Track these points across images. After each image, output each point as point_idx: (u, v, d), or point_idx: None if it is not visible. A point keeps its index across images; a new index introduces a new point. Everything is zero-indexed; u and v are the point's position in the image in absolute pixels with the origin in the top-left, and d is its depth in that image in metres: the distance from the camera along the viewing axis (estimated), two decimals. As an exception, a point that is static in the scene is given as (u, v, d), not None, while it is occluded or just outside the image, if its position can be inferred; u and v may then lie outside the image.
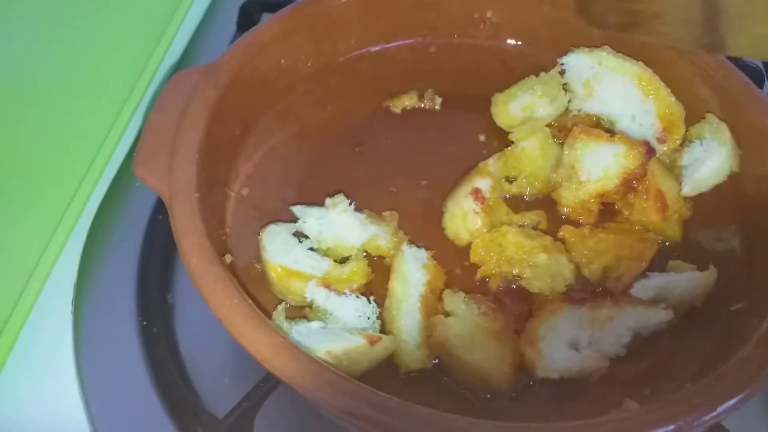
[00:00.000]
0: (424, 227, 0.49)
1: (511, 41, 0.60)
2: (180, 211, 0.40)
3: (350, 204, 0.47)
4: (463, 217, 0.48)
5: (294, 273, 0.44)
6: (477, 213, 0.48)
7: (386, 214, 0.50)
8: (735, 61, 0.66)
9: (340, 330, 0.42)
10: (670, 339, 0.44)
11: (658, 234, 0.48)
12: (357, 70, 0.58)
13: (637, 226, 0.48)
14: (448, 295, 0.43)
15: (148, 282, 0.53)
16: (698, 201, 0.50)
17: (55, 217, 0.54)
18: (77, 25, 0.53)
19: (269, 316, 0.40)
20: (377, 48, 0.58)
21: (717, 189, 0.49)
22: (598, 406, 0.38)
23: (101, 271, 0.55)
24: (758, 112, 0.48)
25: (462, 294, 0.44)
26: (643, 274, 0.46)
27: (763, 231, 0.46)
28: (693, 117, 0.51)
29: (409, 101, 0.57)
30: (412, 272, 0.44)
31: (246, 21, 0.66)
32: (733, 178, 0.49)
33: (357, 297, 0.44)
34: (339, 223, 0.46)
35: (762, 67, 0.66)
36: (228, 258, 0.43)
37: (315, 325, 0.42)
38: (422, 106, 0.57)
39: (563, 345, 0.40)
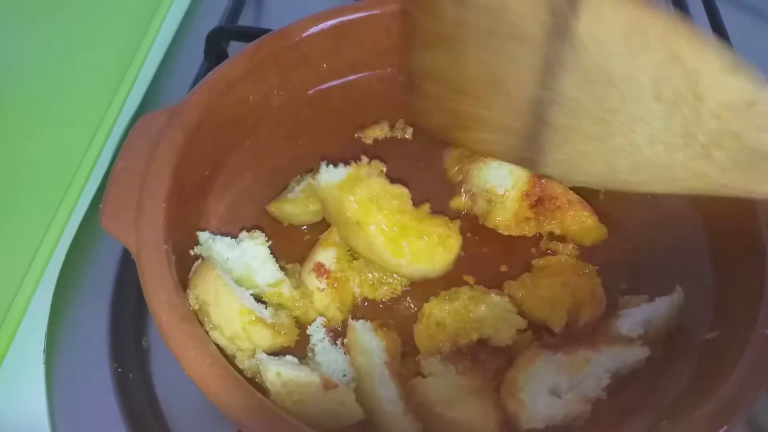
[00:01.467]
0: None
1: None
2: (148, 266, 0.39)
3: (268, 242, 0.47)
4: (310, 297, 0.46)
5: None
6: (322, 291, 0.45)
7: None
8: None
9: (304, 367, 0.41)
10: (646, 373, 0.43)
11: (593, 239, 0.49)
12: (327, 102, 0.57)
13: (566, 255, 0.48)
14: (424, 358, 0.43)
15: (122, 327, 0.52)
16: (665, 227, 0.50)
17: (21, 267, 0.52)
18: (37, 63, 0.51)
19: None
20: (346, 79, 0.58)
21: (684, 214, 0.50)
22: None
23: (72, 319, 0.54)
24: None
25: (438, 356, 0.43)
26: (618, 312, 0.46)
27: (731, 256, 0.46)
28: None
29: (380, 131, 0.57)
30: (369, 342, 0.43)
31: (213, 49, 0.65)
32: (695, 200, 0.49)
33: (345, 354, 0.44)
34: (252, 254, 0.45)
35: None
36: (195, 303, 0.42)
37: (290, 358, 0.42)
38: (394, 135, 0.57)
39: (544, 392, 0.40)
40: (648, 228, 0.50)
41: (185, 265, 0.44)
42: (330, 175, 0.45)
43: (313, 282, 0.46)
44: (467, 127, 0.41)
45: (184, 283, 0.41)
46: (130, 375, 0.50)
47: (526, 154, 0.39)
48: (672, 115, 0.32)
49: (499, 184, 0.48)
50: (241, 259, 0.45)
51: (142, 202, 0.42)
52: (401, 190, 0.46)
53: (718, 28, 0.68)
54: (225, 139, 0.51)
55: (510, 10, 0.34)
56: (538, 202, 0.49)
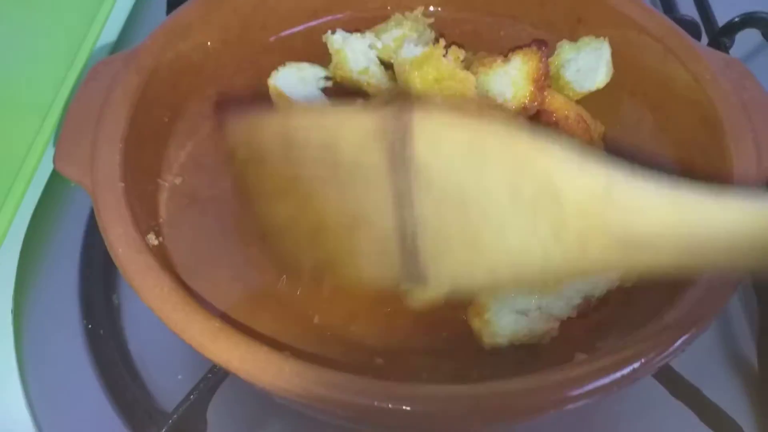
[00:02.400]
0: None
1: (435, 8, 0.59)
2: (104, 202, 0.38)
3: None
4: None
5: None
6: None
7: None
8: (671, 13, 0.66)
9: None
10: (617, 293, 0.43)
11: None
12: (289, 48, 0.56)
13: None
14: None
15: (91, 284, 0.52)
16: (638, 154, 0.50)
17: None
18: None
19: (203, 302, 0.38)
20: (308, 25, 0.57)
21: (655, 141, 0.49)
22: (551, 364, 0.37)
23: (40, 277, 0.53)
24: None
25: None
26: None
27: (698, 174, 0.46)
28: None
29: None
30: None
31: (175, 7, 0.64)
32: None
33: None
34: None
35: (699, 20, 0.67)
36: (153, 239, 0.41)
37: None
38: (359, 79, 0.56)
39: (512, 312, 0.39)
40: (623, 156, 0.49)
41: (144, 208, 0.43)
42: (408, 52, 0.47)
43: None
44: (338, 263, 0.39)
45: (142, 223, 0.40)
46: (101, 331, 0.50)
47: (410, 275, 0.36)
48: (536, 219, 0.32)
49: (500, 93, 0.49)
50: (341, 45, 0.51)
51: (97, 142, 0.41)
52: (466, 76, 0.47)
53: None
54: (183, 85, 0.50)
55: (343, 147, 0.33)
56: (536, 116, 0.49)
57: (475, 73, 0.49)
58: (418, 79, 0.46)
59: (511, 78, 0.48)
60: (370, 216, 0.35)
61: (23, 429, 0.46)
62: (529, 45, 0.49)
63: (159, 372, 0.48)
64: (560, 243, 0.32)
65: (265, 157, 0.36)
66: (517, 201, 0.32)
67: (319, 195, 0.36)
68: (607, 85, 0.51)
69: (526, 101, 0.48)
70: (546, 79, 0.49)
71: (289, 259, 0.41)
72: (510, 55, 0.49)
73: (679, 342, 0.36)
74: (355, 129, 0.33)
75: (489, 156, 0.31)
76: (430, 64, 0.46)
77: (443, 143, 0.31)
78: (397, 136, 0.32)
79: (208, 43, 0.52)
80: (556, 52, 0.52)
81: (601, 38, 0.51)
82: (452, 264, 0.35)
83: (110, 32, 0.64)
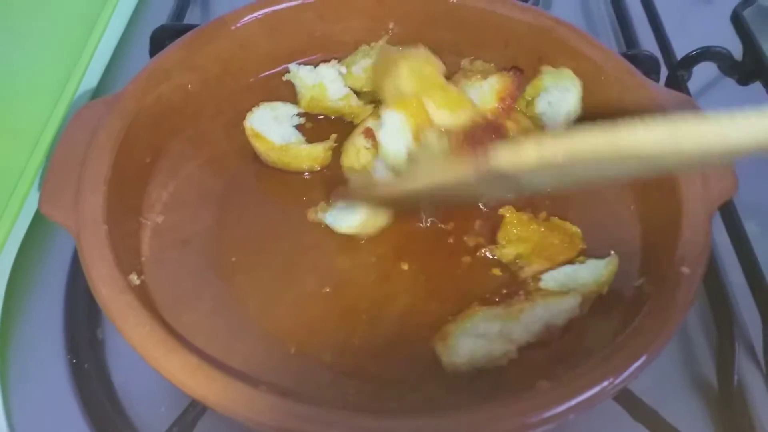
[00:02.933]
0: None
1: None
2: (87, 244, 0.40)
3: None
4: (356, 152, 0.53)
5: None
6: (368, 149, 0.52)
7: None
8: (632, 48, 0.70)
9: None
10: (579, 321, 0.46)
11: None
12: (268, 89, 0.59)
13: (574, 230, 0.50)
14: None
15: (76, 319, 0.53)
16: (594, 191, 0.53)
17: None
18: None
19: (182, 339, 0.40)
20: (285, 66, 0.59)
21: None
22: (514, 392, 0.39)
23: (25, 314, 0.54)
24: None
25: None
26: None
27: (653, 204, 0.49)
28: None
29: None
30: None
31: (157, 48, 0.66)
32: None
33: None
34: (324, 75, 0.56)
35: (660, 54, 0.70)
36: (135, 279, 0.43)
37: None
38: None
39: (472, 336, 0.41)
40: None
41: (127, 247, 0.45)
42: None
43: (361, 141, 0.53)
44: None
45: (125, 263, 0.42)
46: (86, 365, 0.51)
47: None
48: None
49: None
50: (316, 80, 0.56)
51: (81, 185, 0.43)
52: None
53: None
54: (165, 126, 0.52)
55: (459, 185, 0.42)
56: (496, 129, 0.51)
57: (457, 83, 0.54)
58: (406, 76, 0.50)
59: (482, 92, 0.54)
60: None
61: (8, 463, 0.47)
62: (507, 70, 0.56)
63: (143, 405, 0.49)
64: None
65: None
66: None
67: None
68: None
69: (488, 114, 0.53)
70: (512, 101, 0.54)
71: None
72: (489, 75, 0.55)
73: (634, 367, 0.38)
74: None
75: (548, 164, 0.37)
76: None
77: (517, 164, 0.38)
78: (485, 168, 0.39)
79: (189, 86, 0.54)
80: (534, 82, 0.56)
81: (572, 75, 0.54)
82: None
83: (94, 74, 0.66)
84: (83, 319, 0.53)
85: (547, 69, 0.55)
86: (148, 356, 0.36)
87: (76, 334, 0.52)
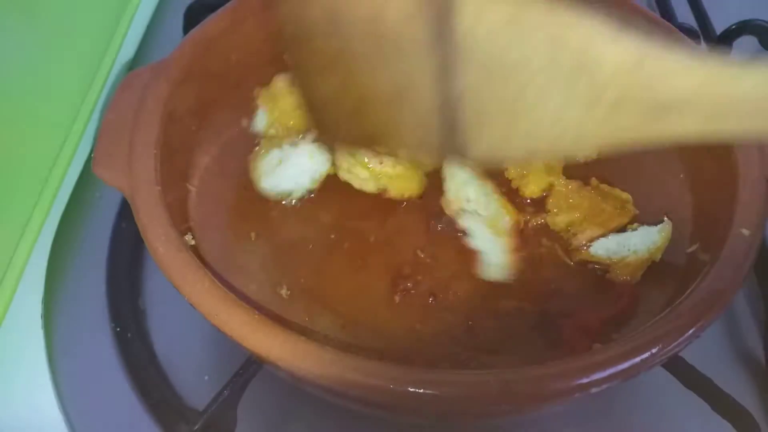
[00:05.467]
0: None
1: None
2: (143, 204, 0.40)
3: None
4: None
5: None
6: None
7: None
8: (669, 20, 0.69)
9: None
10: (632, 287, 0.45)
11: None
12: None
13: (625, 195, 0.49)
14: None
15: (118, 289, 0.53)
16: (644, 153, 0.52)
17: (16, 231, 0.53)
18: (24, 32, 0.52)
19: (241, 295, 0.40)
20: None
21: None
22: (571, 353, 0.39)
23: (69, 283, 0.54)
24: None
25: None
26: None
27: (704, 171, 0.48)
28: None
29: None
30: None
31: (191, 25, 0.65)
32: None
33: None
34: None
35: (697, 28, 0.69)
36: (191, 240, 0.43)
37: None
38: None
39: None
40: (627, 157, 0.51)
41: (177, 212, 0.45)
42: None
43: None
44: (383, 135, 0.41)
45: (178, 225, 0.42)
46: (129, 334, 0.51)
47: (450, 147, 0.39)
48: (573, 88, 0.34)
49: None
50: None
51: (133, 148, 0.43)
52: None
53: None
54: (209, 95, 0.52)
55: (388, 20, 0.34)
56: None
57: None
58: None
59: None
60: (413, 89, 0.36)
61: (56, 429, 0.48)
62: None
63: (186, 373, 0.50)
64: (593, 112, 0.34)
65: (312, 33, 0.37)
66: (555, 71, 0.33)
67: (363, 69, 0.37)
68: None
69: None
70: None
71: (333, 133, 0.43)
72: None
73: (689, 332, 0.38)
74: (399, 2, 0.34)
75: (530, 27, 0.33)
76: None
77: (486, 14, 0.33)
78: (441, 8, 0.33)
79: (232, 56, 0.54)
80: None
81: None
82: (491, 134, 0.37)
83: (128, 49, 0.66)
84: (125, 289, 0.53)
85: None
86: (210, 313, 0.36)
87: (119, 304, 0.53)
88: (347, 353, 0.34)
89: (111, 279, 0.54)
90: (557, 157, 0.47)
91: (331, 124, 0.43)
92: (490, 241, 0.46)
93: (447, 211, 0.48)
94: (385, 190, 0.49)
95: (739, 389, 0.48)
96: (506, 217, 0.47)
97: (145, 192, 0.41)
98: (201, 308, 0.36)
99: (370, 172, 0.47)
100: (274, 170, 0.49)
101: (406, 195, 0.49)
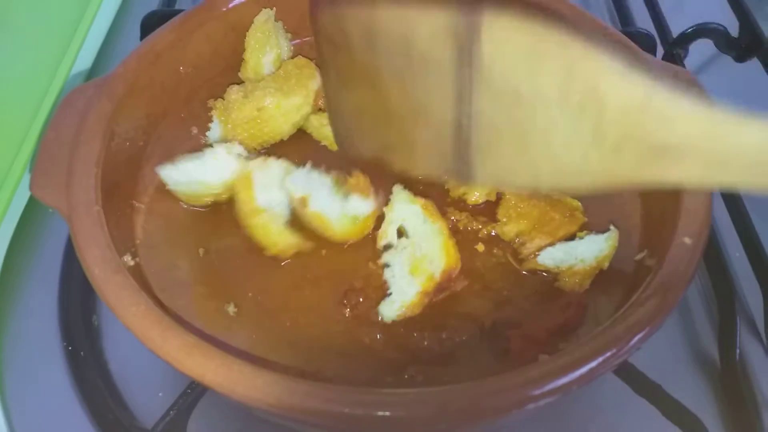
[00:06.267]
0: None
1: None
2: (80, 226, 0.40)
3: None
4: None
5: None
6: None
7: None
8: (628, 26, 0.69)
9: None
10: (580, 296, 0.45)
11: None
12: (261, 72, 0.58)
13: (574, 203, 0.49)
14: None
15: (71, 306, 0.52)
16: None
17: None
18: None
19: (179, 319, 0.40)
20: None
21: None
22: (518, 364, 0.39)
23: (19, 299, 0.54)
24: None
25: None
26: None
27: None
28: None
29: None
30: None
31: (148, 34, 0.65)
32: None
33: None
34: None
35: (655, 32, 0.69)
36: (130, 260, 0.43)
37: None
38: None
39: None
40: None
41: (120, 230, 0.44)
42: None
43: None
44: (400, 150, 0.42)
45: (119, 245, 0.41)
46: (82, 353, 0.50)
47: (457, 171, 0.40)
48: (580, 122, 0.34)
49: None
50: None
51: (72, 167, 0.42)
52: None
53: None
54: (157, 110, 0.52)
55: (418, 40, 0.36)
56: None
57: None
58: None
59: None
60: (432, 108, 0.38)
61: (4, 451, 0.47)
62: None
63: (140, 390, 0.49)
64: (598, 147, 0.34)
65: (347, 47, 0.39)
66: (564, 103, 0.34)
67: (390, 84, 0.38)
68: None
69: None
70: None
71: (354, 143, 0.44)
72: None
73: (634, 339, 0.37)
74: (429, 23, 0.35)
75: (546, 57, 0.33)
76: None
77: (507, 43, 0.34)
78: (467, 34, 0.34)
79: (180, 68, 0.53)
80: None
81: None
82: (499, 160, 0.38)
83: (84, 60, 0.66)
84: (78, 306, 0.52)
85: None
86: (144, 336, 0.35)
87: (71, 321, 0.52)
88: (283, 375, 0.34)
89: (63, 295, 0.53)
90: (559, 190, 0.47)
91: (353, 134, 0.44)
92: (404, 280, 0.44)
93: (377, 244, 0.47)
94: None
95: (694, 392, 0.48)
96: (440, 262, 0.44)
97: (82, 212, 0.40)
98: (135, 331, 0.36)
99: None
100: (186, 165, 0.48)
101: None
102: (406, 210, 0.46)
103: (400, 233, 0.47)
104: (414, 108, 0.39)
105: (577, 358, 0.37)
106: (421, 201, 0.47)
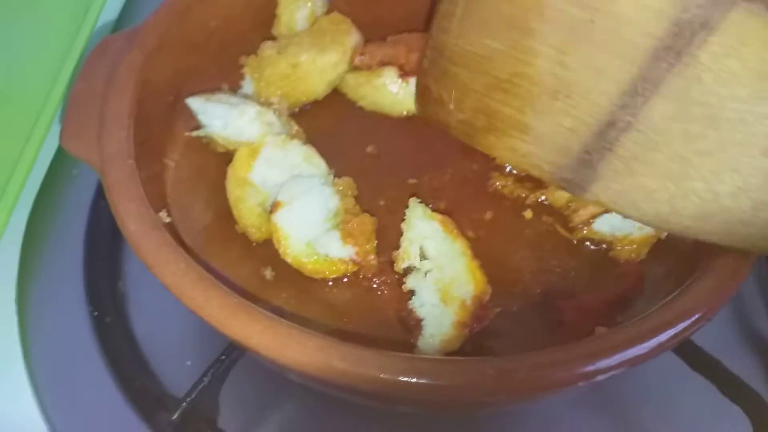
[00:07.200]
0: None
1: None
2: (114, 179, 0.37)
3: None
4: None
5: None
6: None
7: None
8: None
9: None
10: (637, 266, 0.43)
11: None
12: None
13: None
14: None
15: (97, 271, 0.51)
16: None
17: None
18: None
19: (221, 277, 0.37)
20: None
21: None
22: (572, 337, 0.37)
23: (45, 265, 0.52)
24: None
25: None
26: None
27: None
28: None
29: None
30: None
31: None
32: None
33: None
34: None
35: None
36: (166, 217, 0.41)
37: None
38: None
39: None
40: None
41: (152, 187, 0.42)
42: None
43: None
44: (501, 132, 0.35)
45: (153, 201, 0.39)
46: (107, 319, 0.49)
47: (573, 178, 0.33)
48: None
49: None
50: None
51: (104, 119, 0.40)
52: None
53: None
54: (187, 64, 0.49)
55: (619, 12, 0.28)
56: None
57: None
58: None
59: None
60: (581, 98, 0.30)
61: (30, 418, 0.45)
62: None
63: (167, 359, 0.47)
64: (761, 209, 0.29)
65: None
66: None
67: (542, 45, 0.30)
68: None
69: None
70: None
71: (442, 101, 0.37)
72: None
73: (699, 315, 0.35)
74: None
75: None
76: None
77: (742, 56, 0.27)
78: (693, 30, 0.27)
79: (211, 22, 0.50)
80: None
81: None
82: (635, 181, 0.31)
83: (112, 9, 0.63)
84: (104, 271, 0.51)
85: None
86: (185, 296, 0.33)
87: (97, 287, 0.50)
88: (333, 339, 0.31)
89: (89, 260, 0.51)
90: (683, 236, 0.37)
91: (455, 94, 0.36)
92: (437, 309, 0.39)
93: (395, 267, 0.42)
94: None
95: (748, 372, 0.46)
96: (469, 286, 0.39)
97: (116, 166, 0.38)
98: (175, 291, 0.33)
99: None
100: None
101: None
102: (424, 227, 0.41)
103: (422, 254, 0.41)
104: (562, 82, 0.30)
105: (640, 332, 0.34)
106: (439, 217, 0.42)
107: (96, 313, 0.49)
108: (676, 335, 0.34)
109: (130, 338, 0.48)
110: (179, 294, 0.33)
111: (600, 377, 0.33)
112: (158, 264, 0.34)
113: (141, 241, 0.35)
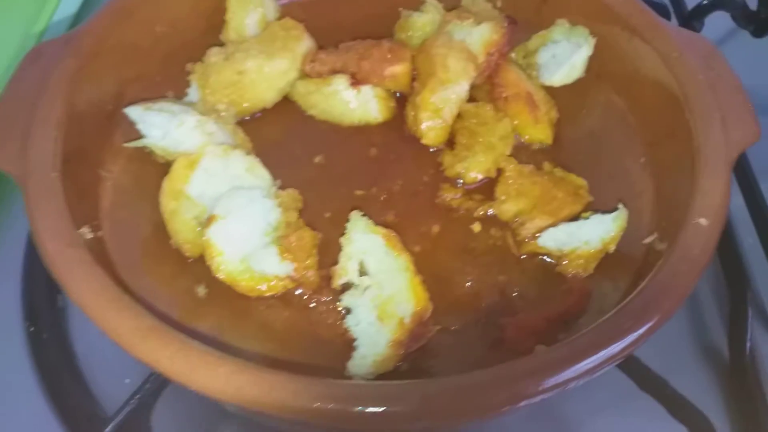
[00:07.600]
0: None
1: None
2: (34, 193, 0.36)
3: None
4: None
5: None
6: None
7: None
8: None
9: None
10: (583, 281, 0.42)
11: (531, 140, 0.49)
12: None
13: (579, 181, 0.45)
14: None
15: (35, 285, 0.49)
16: (604, 137, 0.48)
17: None
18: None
19: (141, 300, 0.36)
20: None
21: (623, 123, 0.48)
22: (513, 355, 0.35)
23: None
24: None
25: None
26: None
27: (666, 155, 0.44)
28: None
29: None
30: None
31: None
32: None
33: None
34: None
35: (669, 4, 0.65)
36: (88, 233, 0.39)
37: None
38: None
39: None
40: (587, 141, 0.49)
41: (81, 200, 0.41)
42: None
43: None
44: None
45: (78, 216, 0.38)
46: (45, 335, 0.47)
47: None
48: None
49: None
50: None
51: (29, 130, 0.39)
52: None
53: None
54: (129, 72, 0.47)
55: None
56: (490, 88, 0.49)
57: (448, 21, 0.50)
58: None
59: (471, 40, 0.49)
60: None
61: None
62: (501, 18, 0.50)
63: (106, 376, 0.46)
64: None
65: None
66: None
67: None
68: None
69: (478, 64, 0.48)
70: (500, 56, 0.49)
71: None
72: (482, 22, 0.49)
73: (641, 331, 0.34)
74: None
75: None
76: None
77: None
78: None
79: (156, 27, 0.49)
80: (542, 32, 0.52)
81: (587, 33, 0.50)
82: None
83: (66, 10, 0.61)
84: (43, 285, 0.49)
85: (561, 21, 0.51)
86: (97, 316, 0.32)
87: (34, 301, 0.48)
88: (248, 364, 0.30)
89: (27, 273, 0.49)
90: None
91: None
92: (372, 328, 0.37)
93: (332, 283, 0.40)
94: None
95: (700, 388, 0.45)
96: (409, 304, 0.38)
97: (37, 179, 0.36)
98: (87, 311, 0.32)
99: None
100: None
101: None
102: (365, 241, 0.40)
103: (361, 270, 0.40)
104: None
105: (577, 351, 0.33)
106: (382, 231, 0.41)
107: (32, 329, 0.47)
108: (612, 354, 0.33)
109: (67, 355, 0.47)
110: (90, 314, 0.32)
111: (526, 402, 0.31)
112: (71, 283, 0.33)
113: (55, 259, 0.34)
